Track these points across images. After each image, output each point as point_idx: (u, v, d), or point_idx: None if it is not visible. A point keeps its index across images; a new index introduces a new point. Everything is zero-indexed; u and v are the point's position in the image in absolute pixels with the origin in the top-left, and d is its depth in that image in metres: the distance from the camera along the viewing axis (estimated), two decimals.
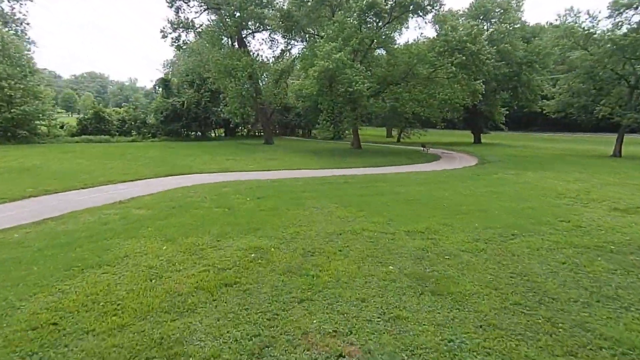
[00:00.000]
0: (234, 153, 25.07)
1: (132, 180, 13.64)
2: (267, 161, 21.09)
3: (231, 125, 35.30)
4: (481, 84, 24.40)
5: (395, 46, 26.48)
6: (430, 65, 23.50)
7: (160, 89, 36.21)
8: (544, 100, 30.58)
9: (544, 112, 29.41)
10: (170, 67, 43.08)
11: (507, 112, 43.05)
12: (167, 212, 8.88)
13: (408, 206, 10.16)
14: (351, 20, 23.72)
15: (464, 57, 21.71)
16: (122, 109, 36.45)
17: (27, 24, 43.09)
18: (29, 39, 43.74)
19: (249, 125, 39.76)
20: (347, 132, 44.47)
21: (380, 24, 25.27)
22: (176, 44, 30.23)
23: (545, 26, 45.54)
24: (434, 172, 17.96)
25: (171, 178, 14.77)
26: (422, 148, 30.34)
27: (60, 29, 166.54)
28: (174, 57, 57.80)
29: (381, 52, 29.47)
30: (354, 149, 29.44)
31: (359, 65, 22.77)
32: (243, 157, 22.52)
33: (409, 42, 26.21)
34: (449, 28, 22.39)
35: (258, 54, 31.59)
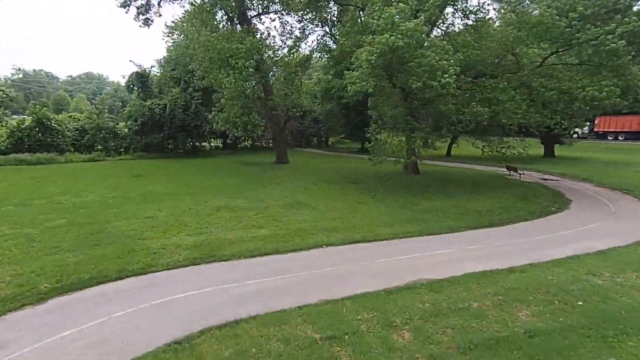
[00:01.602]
0: (232, 187, 15.87)
1: None
2: (289, 211, 11.92)
3: (229, 140, 26.36)
4: None
5: (482, 15, 17.00)
6: (562, 40, 14.05)
7: (136, 88, 27.18)
8: None
9: None
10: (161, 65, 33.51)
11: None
12: None
13: None
14: None
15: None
16: (82, 114, 27.53)
17: None
18: None
19: (255, 135, 30.32)
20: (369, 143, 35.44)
21: None
22: (144, 17, 21.11)
23: None
24: None
25: (45, 314, 5.58)
26: (509, 172, 20.94)
27: (60, 29, 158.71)
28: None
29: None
30: (410, 175, 20.08)
31: (444, 43, 13.47)
32: (246, 199, 13.36)
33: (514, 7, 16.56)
34: None
35: (269, 34, 22.24)
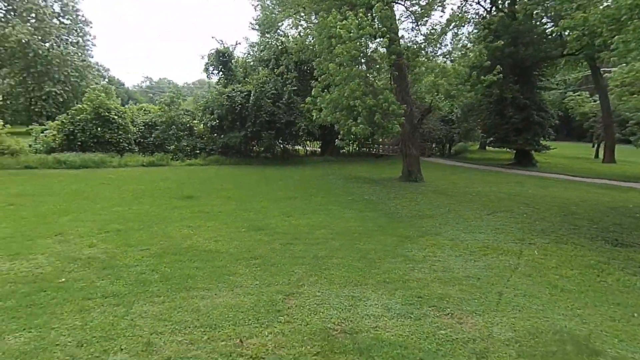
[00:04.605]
0: (353, 242, 7.49)
1: None
2: None
3: (341, 141, 18.78)
4: None
5: None
6: None
7: (215, 71, 21.33)
8: None
9: None
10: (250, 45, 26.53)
11: None
12: None
13: None
14: None
15: None
16: (157, 106, 22.86)
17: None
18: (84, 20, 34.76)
19: (388, 138, 20.97)
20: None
21: None
22: None
23: None
24: None
25: None
26: None
27: (137, 36, 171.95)
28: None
29: None
30: None
31: None
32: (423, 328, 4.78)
33: None
34: None
35: None
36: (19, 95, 29.74)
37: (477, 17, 26.71)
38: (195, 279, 5.35)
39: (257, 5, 18.23)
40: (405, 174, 15.97)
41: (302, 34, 12.49)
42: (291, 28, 12.72)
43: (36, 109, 30.22)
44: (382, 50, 10.82)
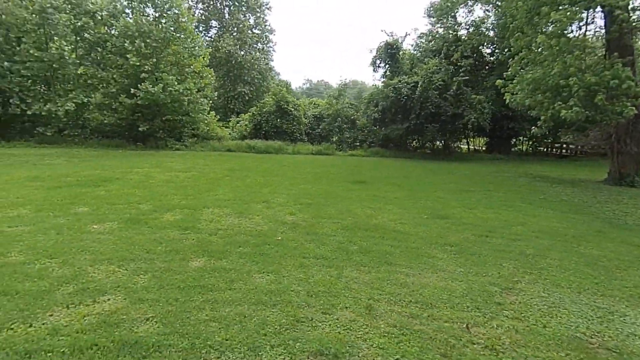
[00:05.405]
0: None
1: None
2: None
3: (499, 134, 16.40)
4: None
5: None
6: None
7: (383, 64, 21.43)
8: None
9: None
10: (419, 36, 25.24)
11: None
12: None
13: None
14: None
15: None
16: (324, 100, 24.56)
17: (268, 8, 40.07)
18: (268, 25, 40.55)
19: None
20: None
21: None
22: None
23: None
24: None
25: None
26: None
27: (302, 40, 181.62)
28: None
29: None
30: None
31: None
32: None
33: None
34: None
35: None
36: (220, 96, 37.16)
37: None
38: (393, 256, 5.19)
39: None
40: (615, 175, 12.62)
41: (483, 13, 11.22)
42: (475, 5, 11.43)
43: (230, 106, 37.14)
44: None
